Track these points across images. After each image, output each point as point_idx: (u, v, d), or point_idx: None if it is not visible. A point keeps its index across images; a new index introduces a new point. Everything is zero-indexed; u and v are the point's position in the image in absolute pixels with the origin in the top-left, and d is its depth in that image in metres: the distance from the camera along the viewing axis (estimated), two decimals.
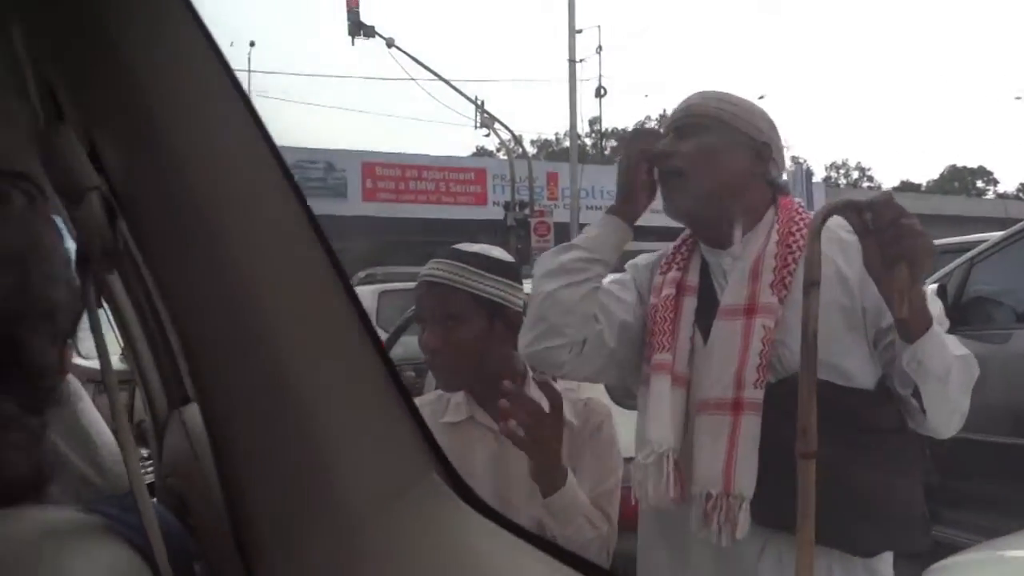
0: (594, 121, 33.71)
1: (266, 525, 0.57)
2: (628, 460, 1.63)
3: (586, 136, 34.19)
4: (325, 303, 0.59)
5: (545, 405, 1.45)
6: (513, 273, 1.73)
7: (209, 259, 0.57)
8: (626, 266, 1.72)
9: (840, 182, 57.21)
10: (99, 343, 0.67)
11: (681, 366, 1.49)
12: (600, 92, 26.17)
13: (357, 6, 16.91)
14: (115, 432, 1.53)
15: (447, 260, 1.70)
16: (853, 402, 1.39)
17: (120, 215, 0.61)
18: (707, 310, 1.51)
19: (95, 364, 1.97)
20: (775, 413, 1.35)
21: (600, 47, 25.86)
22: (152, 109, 0.58)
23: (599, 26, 30.73)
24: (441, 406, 1.74)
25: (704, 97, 1.57)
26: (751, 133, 1.52)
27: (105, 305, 0.82)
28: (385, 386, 0.58)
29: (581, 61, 20.91)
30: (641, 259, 1.73)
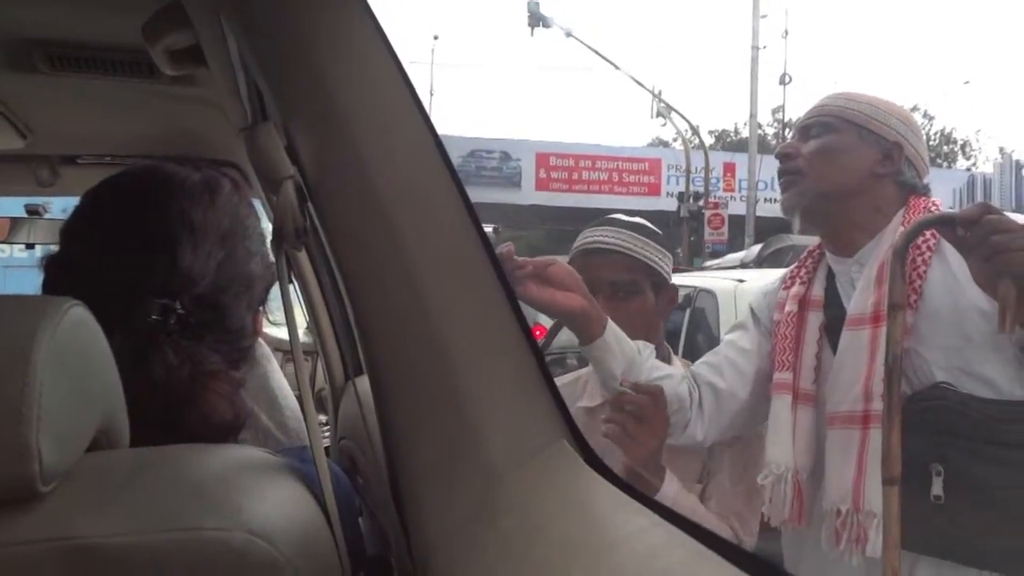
0: (777, 110, 32.40)
1: (420, 480, 0.65)
2: None
3: (768, 125, 32.91)
4: (478, 285, 0.65)
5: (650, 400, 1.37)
6: (666, 245, 1.67)
7: (382, 241, 0.65)
8: (750, 304, 1.66)
9: None
10: (289, 314, 0.77)
11: (806, 383, 1.45)
12: (784, 80, 25.12)
13: None
14: (299, 395, 1.70)
15: (614, 227, 1.61)
16: (997, 414, 1.27)
17: (309, 200, 0.70)
18: (837, 323, 1.45)
19: (282, 334, 2.16)
20: (911, 428, 1.27)
21: (786, 32, 24.82)
22: (337, 108, 0.66)
23: (786, 10, 29.51)
24: (578, 389, 1.69)
25: (834, 97, 1.53)
26: (881, 133, 1.46)
27: (294, 282, 0.93)
28: (527, 362, 0.64)
29: (764, 47, 20.14)
30: (762, 287, 1.68)
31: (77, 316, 0.59)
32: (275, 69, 0.71)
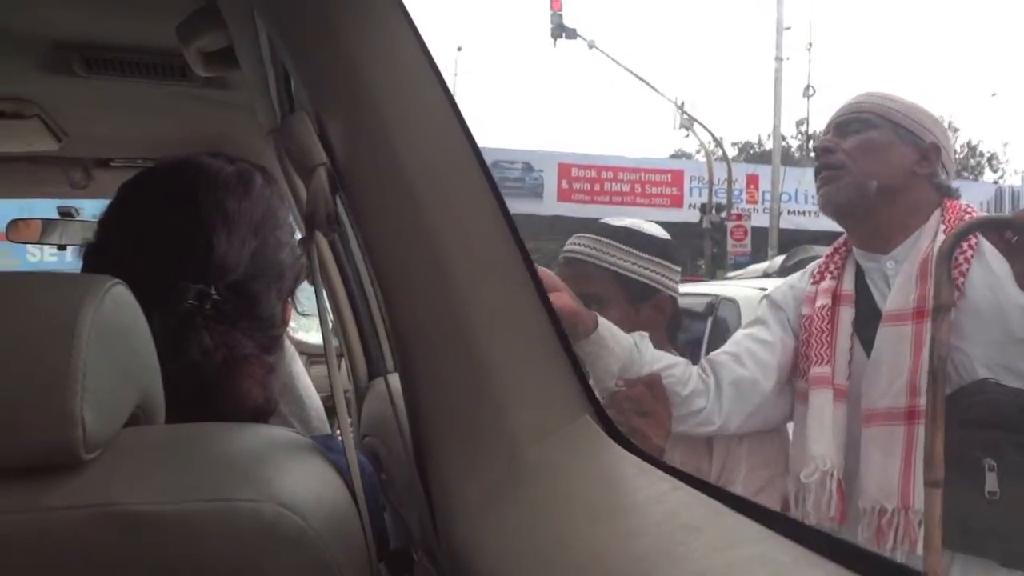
0: (801, 122, 32.27)
1: (445, 457, 0.66)
2: None
3: (792, 138, 32.77)
4: (504, 264, 0.67)
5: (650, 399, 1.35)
6: (668, 252, 1.60)
7: (410, 224, 0.67)
8: (764, 297, 1.66)
9: None
10: (320, 301, 0.79)
11: (841, 378, 1.44)
12: (808, 92, 25.06)
13: (560, 9, 17.22)
14: (323, 396, 1.72)
15: (590, 235, 1.57)
16: None
17: (340, 188, 0.72)
18: (868, 319, 1.45)
19: (307, 338, 2.18)
20: (954, 426, 1.26)
21: (810, 44, 24.75)
22: (368, 96, 0.69)
23: (810, 22, 29.43)
24: None
25: (870, 95, 1.54)
26: (918, 133, 1.48)
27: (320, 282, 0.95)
28: (550, 339, 0.66)
29: (787, 59, 20.09)
30: (787, 280, 1.67)
31: (119, 294, 0.62)
32: (308, 61, 0.73)
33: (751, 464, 1.54)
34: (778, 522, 0.41)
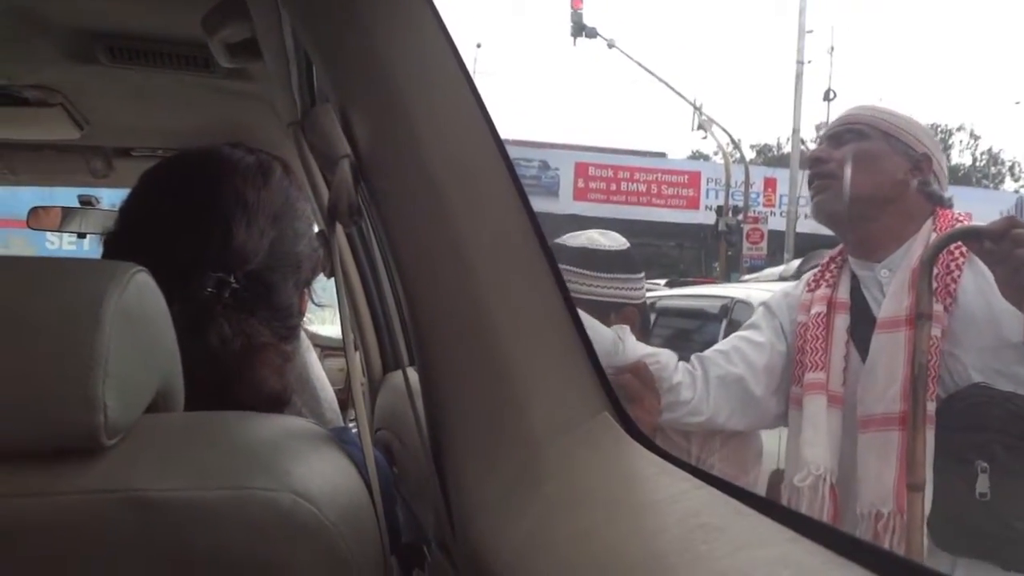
0: (820, 126, 32.06)
1: (463, 451, 0.66)
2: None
3: (811, 141, 32.59)
4: (525, 259, 0.67)
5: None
6: (627, 264, 1.63)
7: (433, 217, 0.67)
8: (758, 305, 1.70)
9: None
10: (339, 290, 0.80)
11: (835, 384, 1.46)
12: (829, 96, 24.84)
13: (581, 8, 17.19)
14: (339, 390, 1.72)
15: None
16: None
17: (362, 180, 0.72)
18: (863, 326, 1.47)
19: (320, 330, 2.17)
20: (949, 430, 1.29)
21: (832, 48, 24.57)
22: (393, 90, 0.69)
23: (832, 26, 29.28)
24: None
25: (863, 108, 1.58)
26: (909, 143, 1.51)
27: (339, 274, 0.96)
28: (570, 335, 0.65)
29: (809, 63, 19.95)
30: (782, 288, 1.71)
31: (142, 281, 0.62)
32: (333, 53, 0.73)
33: (722, 455, 1.57)
34: (802, 523, 0.41)
